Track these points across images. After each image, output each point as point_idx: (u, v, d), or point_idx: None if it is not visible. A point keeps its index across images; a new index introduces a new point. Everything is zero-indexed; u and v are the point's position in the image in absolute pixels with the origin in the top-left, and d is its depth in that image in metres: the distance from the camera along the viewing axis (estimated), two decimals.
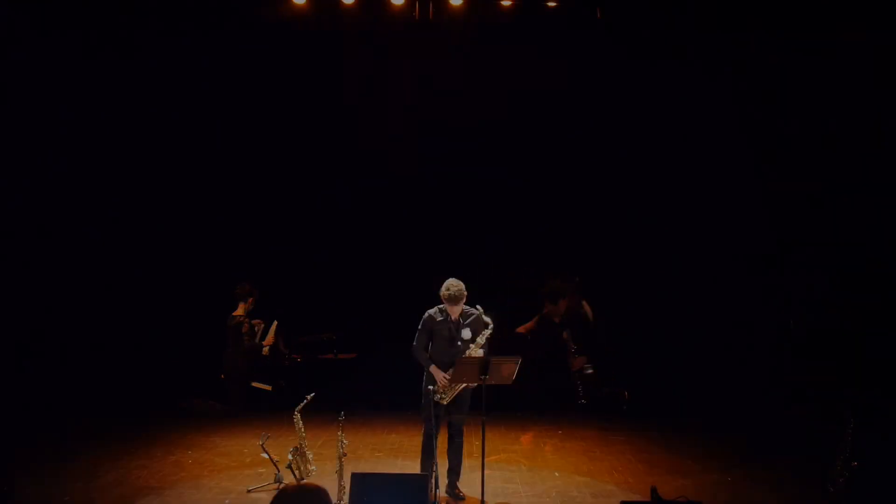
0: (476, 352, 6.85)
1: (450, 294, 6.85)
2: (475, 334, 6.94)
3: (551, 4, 10.66)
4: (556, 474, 7.90)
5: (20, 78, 10.75)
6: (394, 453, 8.62)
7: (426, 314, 7.06)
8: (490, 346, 7.00)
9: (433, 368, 6.90)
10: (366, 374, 10.85)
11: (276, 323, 10.77)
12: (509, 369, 6.56)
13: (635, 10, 10.64)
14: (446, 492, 7.09)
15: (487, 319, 6.93)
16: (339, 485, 6.67)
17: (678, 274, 10.95)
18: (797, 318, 10.82)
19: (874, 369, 10.14)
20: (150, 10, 10.65)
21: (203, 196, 11.20)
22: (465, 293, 6.88)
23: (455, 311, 6.93)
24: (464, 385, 6.88)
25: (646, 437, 9.36)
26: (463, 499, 7.08)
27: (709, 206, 11.10)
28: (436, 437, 6.88)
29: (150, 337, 11.03)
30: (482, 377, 6.48)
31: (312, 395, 7.35)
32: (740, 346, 10.83)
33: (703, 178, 11.05)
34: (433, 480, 6.63)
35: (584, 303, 10.99)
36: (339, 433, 6.85)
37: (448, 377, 6.80)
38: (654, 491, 6.09)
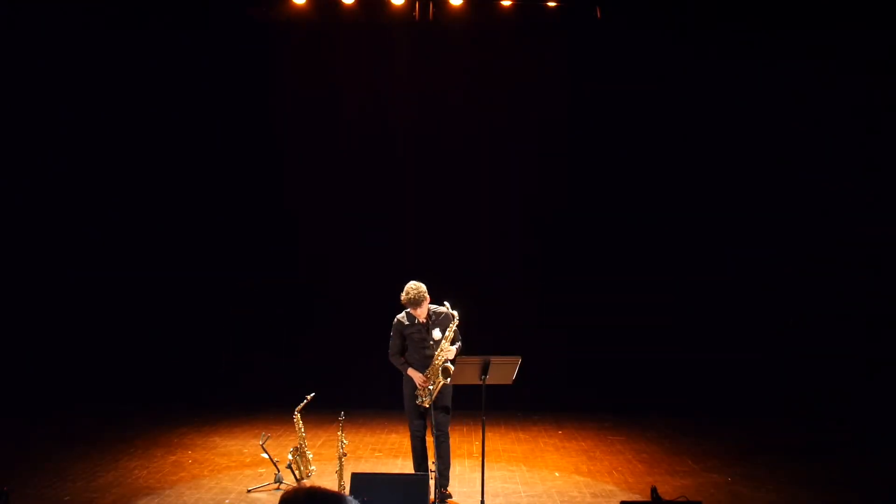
0: (446, 346, 6.78)
1: (409, 298, 6.80)
2: (444, 332, 6.87)
3: (551, 4, 10.65)
4: (556, 474, 7.89)
5: (20, 78, 10.74)
6: (394, 453, 8.62)
7: (395, 319, 7.02)
8: (461, 335, 6.91)
9: (410, 371, 6.90)
10: (365, 374, 10.84)
11: None
12: (509, 369, 6.55)
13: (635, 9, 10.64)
14: (436, 494, 7.06)
15: (454, 312, 6.86)
16: (339, 485, 6.68)
17: (674, 272, 10.92)
18: (796, 316, 10.80)
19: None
20: (150, 9, 10.64)
21: (203, 196, 11.17)
22: (426, 295, 6.82)
23: (420, 314, 6.88)
24: (441, 385, 6.80)
25: (646, 437, 9.37)
26: None
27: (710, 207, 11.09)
28: (424, 438, 6.93)
29: (149, 336, 11.01)
30: (482, 377, 6.46)
31: (312, 394, 7.35)
32: (743, 345, 10.81)
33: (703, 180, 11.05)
34: (433, 480, 6.62)
35: None
36: (340, 433, 6.86)
37: (426, 379, 6.79)
38: (654, 491, 6.07)
